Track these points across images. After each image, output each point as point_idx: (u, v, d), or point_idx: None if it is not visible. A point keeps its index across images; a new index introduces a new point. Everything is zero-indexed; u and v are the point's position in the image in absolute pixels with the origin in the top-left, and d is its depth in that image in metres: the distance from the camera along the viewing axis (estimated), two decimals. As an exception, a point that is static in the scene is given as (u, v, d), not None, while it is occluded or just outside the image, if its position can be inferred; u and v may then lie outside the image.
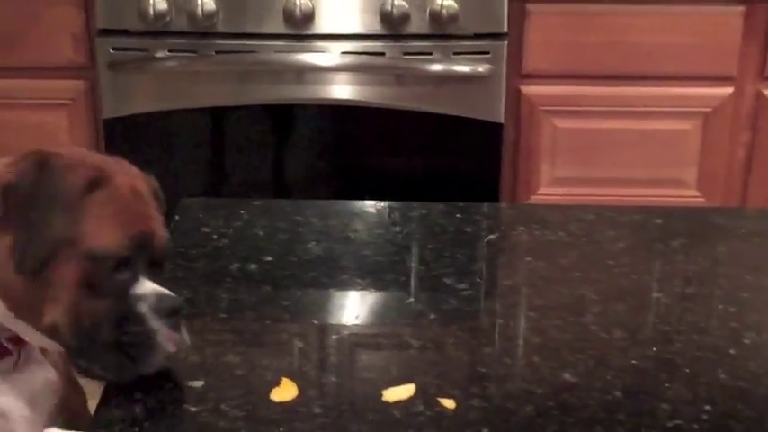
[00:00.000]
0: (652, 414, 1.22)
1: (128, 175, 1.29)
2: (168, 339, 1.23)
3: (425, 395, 1.23)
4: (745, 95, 2.97)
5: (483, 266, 1.66)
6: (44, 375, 1.34)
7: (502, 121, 2.95)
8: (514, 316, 1.48)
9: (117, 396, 1.21)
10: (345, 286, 1.53)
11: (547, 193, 3.04)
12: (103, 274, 1.21)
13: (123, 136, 2.99)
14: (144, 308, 1.23)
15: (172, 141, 3.04)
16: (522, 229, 1.74)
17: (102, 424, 1.18)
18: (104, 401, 1.21)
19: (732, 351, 1.36)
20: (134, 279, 1.24)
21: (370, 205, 1.83)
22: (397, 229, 1.73)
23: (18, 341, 1.29)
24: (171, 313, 1.24)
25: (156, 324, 1.23)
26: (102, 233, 1.21)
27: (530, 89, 2.97)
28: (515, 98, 2.98)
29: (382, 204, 1.81)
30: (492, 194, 2.96)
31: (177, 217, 1.70)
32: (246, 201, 1.83)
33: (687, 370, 1.33)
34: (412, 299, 1.51)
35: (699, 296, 1.54)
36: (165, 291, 1.26)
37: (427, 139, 3.04)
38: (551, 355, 1.35)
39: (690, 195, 3.01)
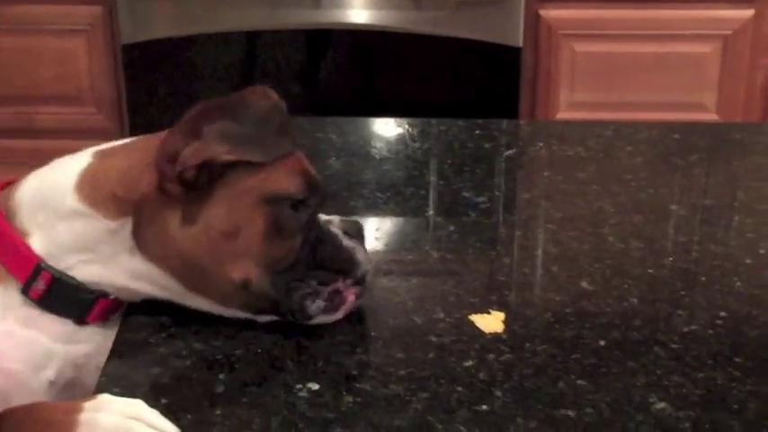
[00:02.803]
0: (668, 320, 1.24)
1: None
2: (365, 258, 1.22)
3: (445, 303, 1.26)
4: (765, 18, 2.96)
5: (502, 181, 1.68)
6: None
7: (520, 44, 2.96)
8: (533, 228, 1.50)
9: (144, 305, 1.24)
10: (365, 200, 1.55)
11: (565, 117, 3.05)
12: (286, 214, 1.18)
13: (142, 62, 3.00)
14: (335, 230, 1.22)
15: (190, 67, 3.05)
16: (541, 144, 1.76)
17: (131, 329, 1.21)
18: (131, 310, 1.24)
19: (748, 260, 1.38)
20: (313, 215, 1.21)
21: (389, 122, 1.85)
22: (417, 144, 1.75)
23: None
24: (358, 234, 1.24)
25: (350, 242, 1.22)
26: (280, 177, 1.19)
27: (548, 12, 2.97)
28: (534, 22, 2.97)
29: (401, 121, 1.83)
30: (510, 119, 2.96)
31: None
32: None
33: (703, 278, 1.35)
34: (431, 211, 1.53)
35: (716, 208, 1.55)
36: (342, 217, 1.25)
37: (446, 63, 3.04)
38: (569, 264, 1.37)
39: (709, 119, 3.01)
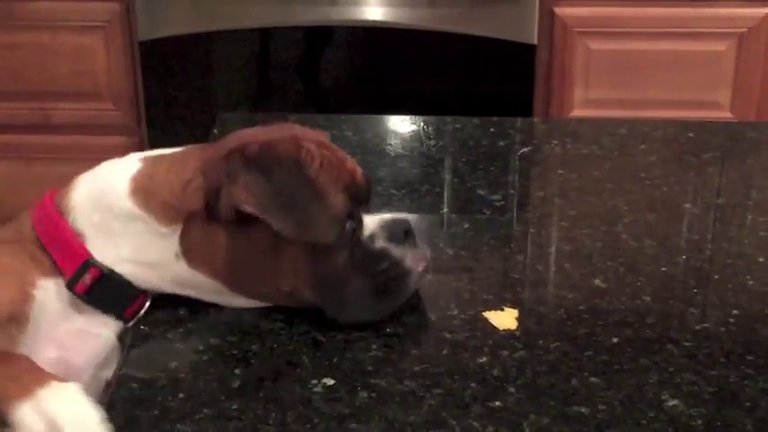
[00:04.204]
0: (681, 318, 1.25)
1: (304, 133, 1.27)
2: (416, 261, 1.24)
3: (459, 300, 1.27)
4: (780, 16, 2.96)
5: (516, 178, 1.69)
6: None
7: (535, 42, 2.96)
8: (546, 225, 1.51)
9: (161, 301, 1.25)
10: (381, 197, 1.56)
11: (580, 115, 3.05)
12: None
13: (159, 58, 3.02)
14: (381, 242, 1.23)
15: (207, 63, 3.06)
16: (555, 142, 1.77)
17: (149, 324, 1.22)
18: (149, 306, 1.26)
19: (761, 259, 1.38)
20: (360, 222, 1.23)
21: (404, 120, 1.86)
22: (432, 142, 1.76)
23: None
24: (405, 235, 1.24)
25: (398, 252, 1.23)
26: (327, 185, 1.20)
27: (563, 10, 2.97)
28: (549, 19, 2.97)
29: (416, 119, 1.84)
30: (525, 116, 2.97)
31: (216, 131, 1.73)
32: (283, 115, 1.86)
33: (716, 276, 1.36)
34: (446, 209, 1.54)
35: (729, 206, 1.56)
36: (388, 216, 1.26)
37: (460, 61, 3.05)
38: (582, 262, 1.37)
39: (723, 117, 3.01)
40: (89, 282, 1.23)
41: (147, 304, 1.26)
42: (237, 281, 1.23)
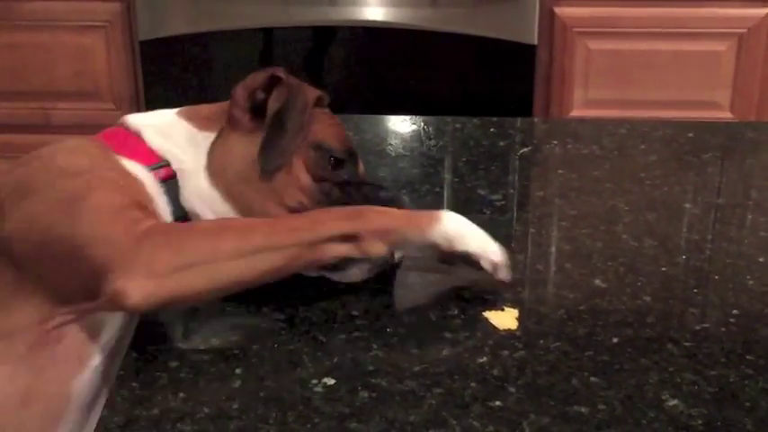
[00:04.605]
0: (681, 318, 1.25)
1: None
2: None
3: (459, 300, 1.27)
4: (780, 16, 2.96)
5: (516, 178, 1.69)
6: None
7: (535, 42, 2.96)
8: (546, 225, 1.51)
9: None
10: (381, 197, 1.56)
11: (579, 115, 3.05)
12: (325, 163, 1.32)
13: (160, 58, 3.02)
14: (368, 191, 1.33)
15: (208, 63, 3.06)
16: (555, 142, 1.77)
17: (150, 324, 1.22)
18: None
19: (761, 259, 1.39)
20: (348, 181, 1.34)
21: (404, 120, 1.86)
22: (432, 142, 1.76)
23: None
24: (389, 202, 1.30)
25: (386, 193, 1.33)
26: (325, 133, 1.34)
27: (563, 10, 2.98)
28: (549, 19, 2.98)
29: (417, 119, 1.84)
30: (525, 116, 2.97)
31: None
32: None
33: (716, 276, 1.36)
34: (447, 208, 1.54)
35: (729, 206, 1.56)
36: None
37: (461, 61, 3.05)
38: (582, 262, 1.38)
39: (723, 117, 3.01)
40: (164, 174, 1.32)
41: None
42: (248, 194, 1.30)
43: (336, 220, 1.22)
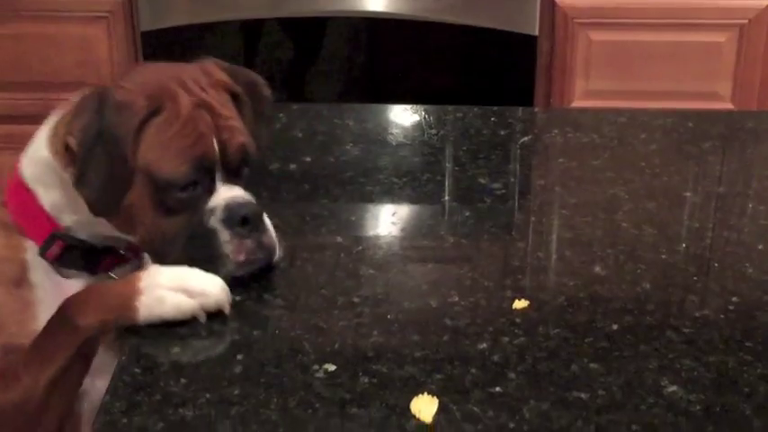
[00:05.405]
0: (680, 305, 1.26)
1: (192, 92, 1.28)
2: (237, 250, 1.25)
3: (461, 287, 1.27)
4: (781, 7, 2.96)
5: (517, 167, 1.69)
6: None
7: (536, 33, 2.95)
8: (547, 213, 1.52)
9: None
10: (382, 185, 1.56)
11: (580, 106, 3.04)
12: (172, 196, 1.25)
13: (161, 49, 3.02)
14: (213, 221, 1.25)
15: (209, 54, 3.06)
16: (556, 131, 1.77)
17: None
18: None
19: (760, 246, 1.39)
20: (208, 194, 1.26)
21: (406, 109, 1.86)
22: (433, 131, 1.76)
23: (137, 249, 1.36)
24: (242, 222, 1.25)
25: (225, 236, 1.25)
26: (163, 161, 1.24)
27: (564, 1, 2.97)
28: (550, 10, 2.97)
29: (418, 108, 1.84)
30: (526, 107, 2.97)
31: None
32: (286, 104, 1.87)
33: (716, 264, 1.37)
34: (447, 197, 1.54)
35: (729, 195, 1.56)
36: (239, 199, 1.27)
37: (462, 51, 3.05)
38: (582, 249, 1.38)
39: (724, 109, 3.01)
40: (57, 251, 1.31)
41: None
42: (115, 222, 1.29)
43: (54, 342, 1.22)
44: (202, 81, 1.31)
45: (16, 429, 1.24)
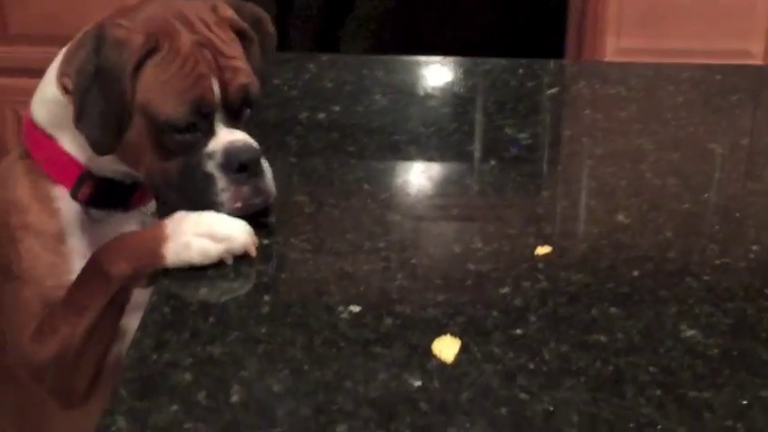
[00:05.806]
0: (701, 253, 1.27)
1: (196, 30, 1.26)
2: (234, 198, 1.25)
3: (485, 234, 1.29)
4: (816, -36, 2.93)
5: (544, 118, 1.70)
6: None
7: (568, -11, 2.95)
8: (572, 163, 1.53)
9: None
10: (410, 134, 1.58)
11: (612, 63, 3.04)
12: (170, 138, 1.24)
13: None
14: (211, 166, 1.25)
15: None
16: (583, 83, 1.78)
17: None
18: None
19: (783, 198, 1.40)
20: (207, 136, 1.25)
21: (434, 60, 1.87)
22: (461, 83, 1.77)
23: None
24: (240, 169, 1.25)
25: (222, 183, 1.25)
26: (160, 101, 1.22)
27: (597, -42, 2.96)
28: (582, -34, 2.96)
29: (446, 60, 1.85)
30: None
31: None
32: (314, 55, 1.88)
33: (737, 214, 1.37)
34: (474, 146, 1.56)
35: (754, 147, 1.57)
36: (239, 143, 1.26)
37: (492, 7, 3.04)
38: (606, 198, 1.39)
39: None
40: (88, 191, 1.32)
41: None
42: (127, 161, 1.29)
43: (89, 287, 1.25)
44: (208, 18, 1.28)
45: (56, 377, 1.28)
